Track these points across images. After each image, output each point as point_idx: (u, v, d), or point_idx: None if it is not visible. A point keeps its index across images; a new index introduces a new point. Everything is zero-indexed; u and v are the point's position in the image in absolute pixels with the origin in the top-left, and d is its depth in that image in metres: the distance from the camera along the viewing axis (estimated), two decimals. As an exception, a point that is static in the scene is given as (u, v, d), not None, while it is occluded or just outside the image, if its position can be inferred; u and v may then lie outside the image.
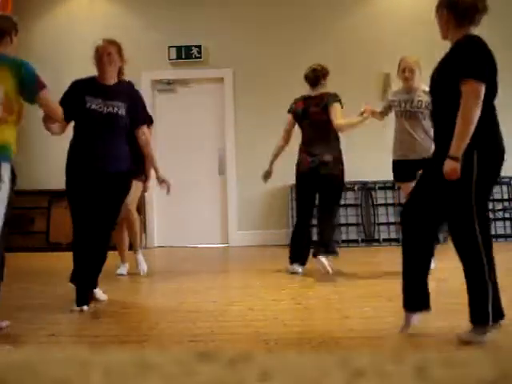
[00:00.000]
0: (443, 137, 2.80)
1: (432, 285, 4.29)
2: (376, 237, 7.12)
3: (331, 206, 4.95)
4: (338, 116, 4.77)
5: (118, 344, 2.94)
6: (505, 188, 7.12)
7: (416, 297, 3.03)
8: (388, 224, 7.05)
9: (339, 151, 4.89)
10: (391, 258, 5.29)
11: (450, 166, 2.69)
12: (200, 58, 7.33)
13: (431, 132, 4.11)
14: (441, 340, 2.90)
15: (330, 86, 7.13)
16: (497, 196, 7.07)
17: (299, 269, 4.91)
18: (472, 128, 2.68)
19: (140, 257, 5.18)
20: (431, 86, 2.95)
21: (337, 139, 4.90)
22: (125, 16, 7.41)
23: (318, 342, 2.93)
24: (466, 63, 2.72)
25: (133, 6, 7.40)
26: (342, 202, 7.20)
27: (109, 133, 3.82)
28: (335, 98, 4.89)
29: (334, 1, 7.33)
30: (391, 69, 6.93)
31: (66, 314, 3.70)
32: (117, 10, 7.40)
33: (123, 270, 5.10)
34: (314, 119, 4.91)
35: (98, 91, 3.86)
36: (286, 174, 7.25)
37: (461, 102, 2.69)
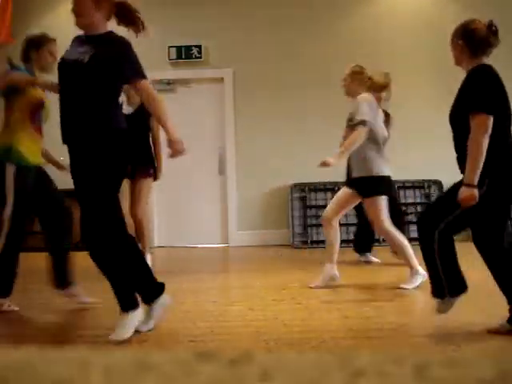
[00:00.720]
0: (463, 162, 2.92)
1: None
2: (376, 237, 7.12)
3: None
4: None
5: (117, 344, 2.94)
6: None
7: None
8: (388, 224, 7.06)
9: None
10: (391, 258, 5.29)
11: (465, 194, 2.82)
12: (200, 58, 7.33)
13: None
14: (441, 340, 2.90)
15: (330, 86, 7.14)
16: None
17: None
18: (481, 158, 2.82)
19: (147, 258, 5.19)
20: (450, 115, 3.05)
21: None
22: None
23: (318, 341, 2.93)
24: (475, 96, 2.86)
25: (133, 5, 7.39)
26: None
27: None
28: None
29: (335, 1, 7.33)
30: (391, 68, 6.94)
31: (66, 313, 3.70)
32: (117, 9, 7.40)
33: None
34: None
35: None
36: (286, 173, 7.26)
37: (470, 135, 2.84)
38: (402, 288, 4.12)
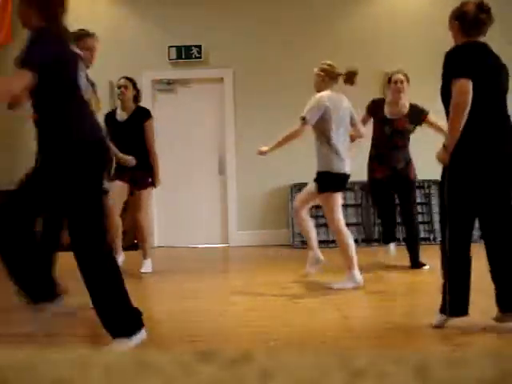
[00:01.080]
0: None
1: (433, 285, 4.29)
2: (376, 237, 7.12)
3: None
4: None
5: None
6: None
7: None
8: (388, 224, 7.05)
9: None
10: (393, 260, 5.30)
11: (439, 155, 3.04)
12: (200, 58, 7.33)
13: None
14: (441, 340, 2.90)
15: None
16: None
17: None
18: (460, 120, 2.88)
19: (146, 262, 5.18)
20: (441, 94, 3.16)
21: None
22: (125, 16, 7.41)
23: (318, 341, 2.93)
24: (454, 65, 3.01)
25: (133, 6, 7.40)
26: (342, 202, 7.20)
27: None
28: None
29: (334, 1, 7.33)
30: (391, 68, 6.94)
31: (66, 314, 3.70)
32: (117, 10, 7.40)
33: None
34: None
35: None
36: (286, 173, 7.26)
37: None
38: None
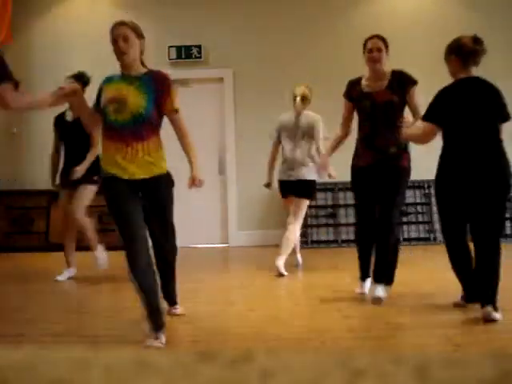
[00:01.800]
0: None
1: (432, 285, 4.30)
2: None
3: None
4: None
5: (117, 344, 2.94)
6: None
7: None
8: (388, 224, 7.05)
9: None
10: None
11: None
12: (200, 58, 7.33)
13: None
14: (441, 340, 2.90)
15: (329, 85, 7.14)
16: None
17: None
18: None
19: (98, 253, 5.00)
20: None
21: None
22: (125, 16, 7.39)
23: (318, 341, 2.93)
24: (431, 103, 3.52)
25: (133, 6, 7.40)
26: (342, 203, 7.21)
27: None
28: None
29: (334, 1, 7.33)
30: (391, 68, 6.93)
31: (66, 313, 3.70)
32: (117, 10, 7.40)
33: (65, 275, 4.95)
34: None
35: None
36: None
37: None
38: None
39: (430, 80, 7.38)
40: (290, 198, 5.22)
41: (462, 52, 3.41)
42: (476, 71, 3.47)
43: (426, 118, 3.48)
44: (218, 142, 7.46)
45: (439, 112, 3.43)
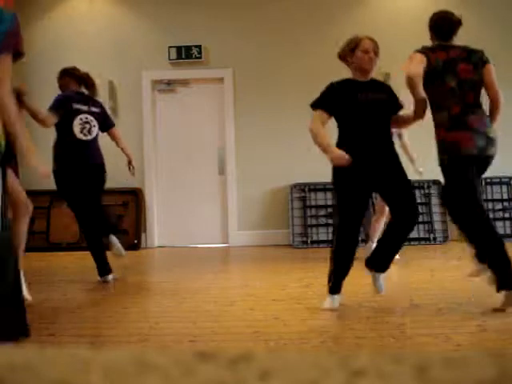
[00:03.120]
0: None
1: (431, 285, 4.30)
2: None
3: None
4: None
5: (117, 344, 2.94)
6: (504, 188, 7.13)
7: None
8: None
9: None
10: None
11: None
12: (200, 58, 7.33)
13: None
14: (441, 340, 2.90)
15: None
16: (496, 196, 7.08)
17: None
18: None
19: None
20: None
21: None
22: (125, 16, 7.41)
23: (318, 341, 2.93)
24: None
25: (133, 6, 7.40)
26: (342, 202, 7.21)
27: None
28: None
29: (334, 1, 7.33)
30: (391, 68, 6.93)
31: (66, 313, 3.70)
32: (117, 10, 7.40)
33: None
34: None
35: None
36: (286, 173, 7.26)
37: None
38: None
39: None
40: None
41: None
42: None
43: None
44: (218, 142, 7.46)
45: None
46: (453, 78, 3.44)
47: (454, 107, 3.41)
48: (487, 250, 3.34)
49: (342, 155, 3.35)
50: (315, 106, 3.55)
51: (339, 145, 3.48)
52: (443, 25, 3.57)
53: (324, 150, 3.47)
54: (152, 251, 7.09)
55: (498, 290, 3.29)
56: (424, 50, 3.50)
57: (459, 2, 7.15)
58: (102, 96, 7.35)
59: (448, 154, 3.46)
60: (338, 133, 3.58)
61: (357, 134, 3.52)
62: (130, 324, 3.42)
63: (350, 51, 3.66)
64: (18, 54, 2.61)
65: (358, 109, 3.52)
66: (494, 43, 7.00)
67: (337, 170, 3.54)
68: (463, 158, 3.44)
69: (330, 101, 3.54)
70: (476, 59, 3.51)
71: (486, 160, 3.53)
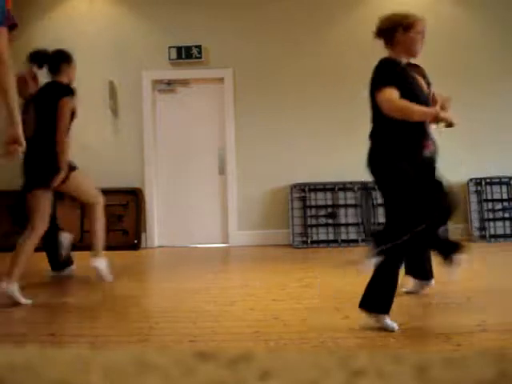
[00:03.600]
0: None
1: (432, 285, 4.29)
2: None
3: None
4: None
5: (117, 344, 2.94)
6: (504, 188, 7.13)
7: None
8: (388, 224, 7.05)
9: None
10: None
11: None
12: (200, 58, 7.33)
13: None
14: (441, 340, 2.90)
15: (330, 86, 7.14)
16: (496, 196, 7.08)
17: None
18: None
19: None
20: None
21: None
22: (125, 16, 7.41)
23: (318, 341, 2.93)
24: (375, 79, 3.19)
25: (133, 6, 7.40)
26: (342, 203, 7.21)
27: None
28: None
29: (334, 1, 7.33)
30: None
31: (66, 313, 3.70)
32: (117, 10, 7.40)
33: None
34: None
35: None
36: (286, 173, 7.26)
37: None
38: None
39: (432, 79, 7.34)
40: None
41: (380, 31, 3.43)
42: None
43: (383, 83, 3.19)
44: (218, 142, 7.46)
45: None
46: None
47: None
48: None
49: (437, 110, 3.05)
50: (386, 83, 3.11)
51: (394, 134, 3.11)
52: None
53: (424, 113, 3.05)
54: (152, 251, 7.09)
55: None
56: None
57: (459, 2, 7.16)
58: (103, 96, 7.36)
59: None
60: (386, 122, 3.12)
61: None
62: (130, 324, 3.42)
63: (403, 29, 3.39)
64: (13, 26, 2.67)
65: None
66: (494, 43, 7.00)
67: (397, 165, 3.08)
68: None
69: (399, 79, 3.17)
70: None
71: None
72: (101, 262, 4.56)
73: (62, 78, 4.51)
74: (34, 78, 4.73)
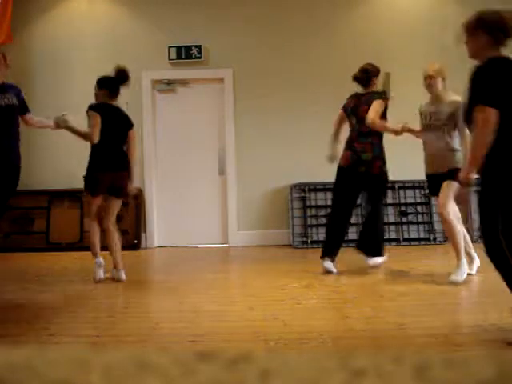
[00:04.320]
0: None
1: (431, 285, 4.30)
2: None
3: (374, 204, 5.01)
4: (373, 110, 4.75)
5: (117, 344, 2.94)
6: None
7: None
8: (388, 224, 7.04)
9: (380, 149, 4.91)
10: (391, 258, 5.29)
11: (461, 179, 2.98)
12: (200, 58, 7.33)
13: (453, 144, 4.38)
14: (441, 340, 2.90)
15: (330, 86, 7.13)
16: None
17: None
18: (481, 153, 2.72)
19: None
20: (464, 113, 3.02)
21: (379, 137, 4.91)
22: (125, 16, 7.41)
23: (318, 342, 2.93)
24: (478, 89, 2.76)
25: (133, 6, 7.40)
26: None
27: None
28: (380, 95, 4.94)
29: (334, 2, 7.33)
30: (391, 68, 6.93)
31: (66, 313, 3.70)
32: (117, 10, 7.40)
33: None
34: (361, 116, 4.88)
35: None
36: (286, 173, 7.26)
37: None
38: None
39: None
40: None
41: (499, 27, 2.88)
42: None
43: (487, 102, 2.72)
44: (218, 142, 7.46)
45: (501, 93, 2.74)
46: None
47: None
48: None
49: None
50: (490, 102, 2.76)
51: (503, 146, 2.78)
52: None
53: None
54: (152, 251, 7.09)
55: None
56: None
57: (460, 2, 7.16)
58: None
59: None
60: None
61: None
62: (130, 324, 3.42)
63: None
64: None
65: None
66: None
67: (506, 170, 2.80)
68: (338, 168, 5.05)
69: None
70: None
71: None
72: None
73: None
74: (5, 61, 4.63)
